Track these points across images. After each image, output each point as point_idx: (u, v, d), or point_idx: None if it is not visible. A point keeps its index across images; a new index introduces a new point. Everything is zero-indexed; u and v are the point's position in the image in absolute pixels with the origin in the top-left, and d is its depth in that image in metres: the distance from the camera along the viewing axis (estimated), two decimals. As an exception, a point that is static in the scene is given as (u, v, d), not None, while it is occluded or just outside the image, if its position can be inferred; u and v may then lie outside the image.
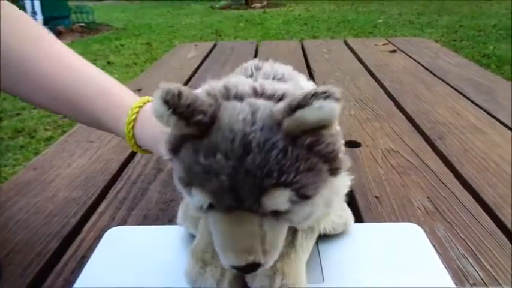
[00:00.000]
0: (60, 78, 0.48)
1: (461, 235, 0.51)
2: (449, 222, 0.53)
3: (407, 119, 0.88)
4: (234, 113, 0.30)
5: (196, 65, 1.40)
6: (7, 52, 0.47)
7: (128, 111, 0.47)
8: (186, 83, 1.19)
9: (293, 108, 0.28)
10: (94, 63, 0.52)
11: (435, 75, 1.19)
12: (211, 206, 0.31)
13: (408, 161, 0.70)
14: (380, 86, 1.13)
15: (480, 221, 0.53)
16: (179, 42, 4.34)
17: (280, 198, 0.30)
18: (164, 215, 0.56)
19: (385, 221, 0.54)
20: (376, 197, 0.60)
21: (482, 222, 0.53)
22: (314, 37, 4.72)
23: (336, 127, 0.32)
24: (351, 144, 0.77)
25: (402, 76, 1.20)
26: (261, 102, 0.31)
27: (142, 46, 4.96)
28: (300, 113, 0.28)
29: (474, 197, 0.59)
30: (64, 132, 1.97)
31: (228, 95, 0.32)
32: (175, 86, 0.29)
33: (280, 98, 0.32)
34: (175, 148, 0.32)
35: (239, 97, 0.32)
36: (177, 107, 0.28)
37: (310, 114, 0.28)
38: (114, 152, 0.76)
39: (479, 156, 0.70)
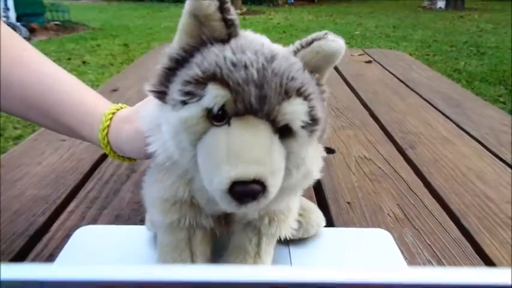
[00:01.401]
0: (34, 87, 0.47)
1: (428, 241, 0.52)
2: (417, 229, 0.55)
3: (380, 128, 0.90)
4: (254, 41, 0.32)
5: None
6: None
7: (101, 117, 0.46)
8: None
9: (310, 42, 0.32)
10: (69, 63, 0.51)
11: (408, 87, 1.23)
12: (218, 115, 0.29)
13: (380, 168, 0.71)
14: (355, 95, 1.15)
15: (446, 228, 0.55)
16: (157, 44, 4.31)
17: (300, 107, 0.29)
18: (136, 215, 0.56)
19: (356, 227, 0.55)
20: (348, 203, 0.61)
21: (448, 229, 0.55)
22: (292, 46, 4.77)
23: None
24: (326, 151, 0.77)
25: (377, 86, 1.23)
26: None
27: (120, 47, 4.90)
28: (316, 44, 0.32)
29: (441, 205, 0.61)
30: (34, 131, 1.92)
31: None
32: None
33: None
34: (183, 59, 0.31)
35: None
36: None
37: (325, 44, 0.32)
38: (86, 151, 0.75)
39: (448, 166, 0.73)
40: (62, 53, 4.31)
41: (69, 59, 4.03)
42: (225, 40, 0.31)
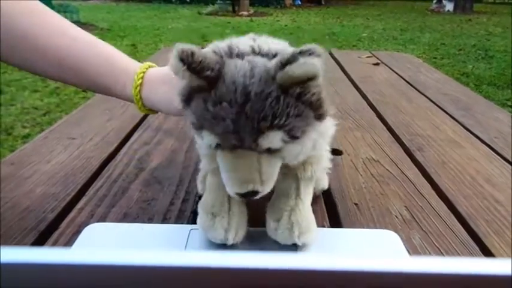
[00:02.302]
0: (65, 46, 0.52)
1: (436, 243, 0.52)
2: (424, 231, 0.55)
3: (387, 130, 0.90)
4: (236, 69, 0.37)
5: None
6: (11, 22, 0.49)
7: (133, 76, 0.52)
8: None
9: (283, 64, 0.35)
10: None
11: (416, 89, 1.22)
12: (218, 145, 0.38)
13: (388, 170, 0.71)
14: (362, 96, 1.15)
15: (454, 230, 0.55)
16: (165, 45, 4.33)
17: (274, 138, 0.37)
18: (144, 214, 0.56)
19: (364, 228, 0.55)
20: (356, 204, 0.61)
21: (456, 231, 0.55)
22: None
23: (320, 80, 0.37)
24: (333, 152, 0.77)
25: (384, 88, 1.23)
26: (258, 59, 0.38)
27: (127, 48, 4.93)
28: (288, 68, 0.34)
29: (449, 208, 0.60)
30: (43, 129, 1.93)
31: (231, 53, 0.38)
32: (189, 46, 0.35)
33: (274, 55, 0.38)
34: (187, 99, 0.39)
35: (240, 55, 0.38)
36: (190, 64, 0.35)
37: (297, 68, 0.34)
38: (95, 149, 0.75)
39: (456, 168, 0.72)
40: (70, 53, 4.33)
41: (78, 59, 4.05)
42: (208, 89, 0.37)
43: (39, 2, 0.53)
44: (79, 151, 0.74)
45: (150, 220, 0.55)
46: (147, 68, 0.54)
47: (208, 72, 0.36)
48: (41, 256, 0.16)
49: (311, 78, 0.35)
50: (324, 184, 0.61)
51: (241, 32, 6.21)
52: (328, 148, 0.50)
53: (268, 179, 0.40)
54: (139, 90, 0.52)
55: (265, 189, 0.40)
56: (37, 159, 0.71)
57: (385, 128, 0.92)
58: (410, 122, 0.95)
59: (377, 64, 1.55)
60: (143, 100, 0.53)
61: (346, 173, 0.70)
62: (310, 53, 0.34)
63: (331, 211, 0.59)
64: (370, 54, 1.71)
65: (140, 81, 0.52)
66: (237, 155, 0.38)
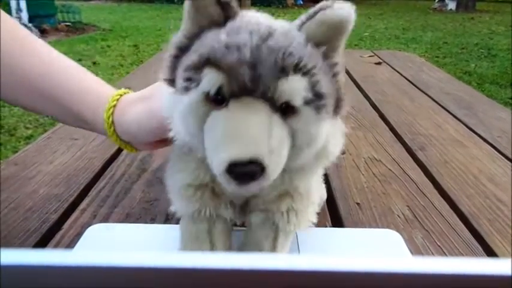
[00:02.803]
0: (41, 75, 0.48)
1: (438, 243, 0.52)
2: (427, 230, 0.55)
3: (389, 130, 0.90)
4: (256, 15, 0.32)
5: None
6: None
7: (106, 99, 0.47)
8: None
9: (314, 13, 0.30)
10: (79, 63, 0.52)
11: (418, 88, 1.22)
12: (217, 98, 0.29)
13: (390, 170, 0.71)
14: (364, 96, 1.15)
15: (456, 229, 0.55)
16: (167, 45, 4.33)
17: (298, 84, 0.29)
18: (147, 214, 0.56)
19: (366, 227, 0.55)
20: (358, 204, 0.61)
21: (459, 231, 0.55)
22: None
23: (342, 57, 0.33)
24: (335, 151, 0.78)
25: (386, 88, 1.23)
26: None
27: (130, 48, 4.94)
28: (321, 14, 0.29)
29: (452, 207, 0.60)
30: (45, 131, 1.94)
31: None
32: None
33: None
34: (186, 46, 0.32)
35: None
36: None
37: (331, 13, 0.29)
38: (98, 150, 0.75)
39: (458, 168, 0.72)
40: (72, 54, 4.36)
41: (80, 59, 4.07)
42: (222, 24, 0.31)
43: (22, 29, 0.50)
44: (81, 152, 0.75)
45: (152, 220, 0.55)
46: (125, 93, 0.49)
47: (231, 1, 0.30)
48: (42, 258, 0.16)
49: (342, 28, 0.30)
50: (323, 194, 0.54)
51: (243, 31, 6.21)
52: (321, 179, 0.44)
53: (277, 153, 0.29)
54: (112, 113, 0.46)
55: (270, 169, 0.28)
56: (40, 160, 0.71)
57: (387, 127, 0.91)
58: (412, 122, 0.94)
59: (379, 63, 1.55)
60: (116, 125, 0.47)
61: (348, 172, 0.70)
62: (344, 2, 0.29)
63: (333, 210, 0.59)
64: (372, 54, 1.71)
65: (114, 103, 0.46)
66: (243, 105, 0.29)
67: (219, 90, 0.29)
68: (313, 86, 0.29)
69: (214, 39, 0.29)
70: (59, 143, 0.78)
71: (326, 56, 0.31)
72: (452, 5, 9.79)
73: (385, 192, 0.64)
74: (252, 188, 0.29)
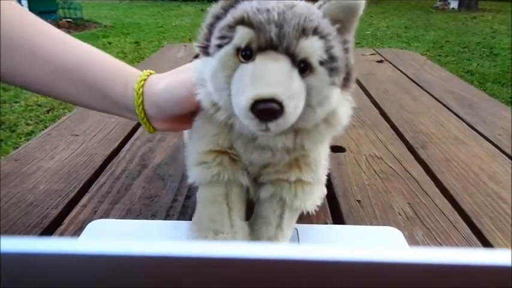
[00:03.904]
0: (62, 54, 0.49)
1: (439, 240, 0.52)
2: (427, 228, 0.55)
3: (391, 127, 0.90)
4: None
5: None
6: (8, 32, 0.47)
7: (135, 74, 0.49)
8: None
9: None
10: None
11: (420, 87, 1.22)
12: (246, 54, 0.34)
13: (391, 167, 0.71)
14: (366, 94, 1.14)
15: (457, 227, 0.55)
16: (168, 42, 4.33)
17: (316, 44, 0.33)
18: (147, 210, 0.56)
19: (366, 224, 0.55)
20: (359, 201, 0.60)
21: (460, 228, 0.55)
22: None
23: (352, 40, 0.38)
24: (336, 149, 0.78)
25: (388, 86, 1.22)
26: None
27: (131, 45, 4.93)
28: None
29: (453, 205, 0.60)
30: (46, 127, 1.94)
31: None
32: None
33: None
34: (221, 15, 0.37)
35: None
36: None
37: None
38: (98, 146, 0.75)
39: (460, 166, 0.72)
40: (74, 51, 4.34)
41: (81, 56, 4.06)
42: None
43: (33, 15, 0.51)
44: (82, 148, 0.75)
45: (153, 216, 0.55)
46: (151, 73, 0.50)
47: None
48: (46, 246, 0.16)
49: (354, 10, 0.36)
50: (323, 190, 0.55)
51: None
52: (327, 157, 0.47)
53: (294, 96, 0.33)
54: (142, 85, 0.48)
55: (289, 108, 0.32)
56: (41, 156, 0.71)
57: (388, 125, 0.91)
58: (413, 120, 0.94)
59: (381, 62, 1.54)
60: (144, 96, 0.48)
61: (349, 170, 0.70)
62: None
63: (334, 208, 0.59)
64: (374, 52, 1.71)
65: (145, 77, 0.48)
66: (269, 56, 0.34)
67: (248, 46, 0.34)
68: (328, 49, 0.34)
69: (247, 5, 0.35)
70: (59, 139, 0.78)
71: (339, 32, 0.36)
72: (454, 4, 9.76)
73: (386, 189, 0.64)
74: (273, 126, 0.33)
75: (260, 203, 0.45)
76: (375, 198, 0.61)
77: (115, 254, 0.16)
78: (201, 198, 0.44)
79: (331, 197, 0.61)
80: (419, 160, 0.74)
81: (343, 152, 0.77)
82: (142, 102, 0.47)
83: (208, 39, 0.37)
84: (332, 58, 0.34)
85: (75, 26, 6.03)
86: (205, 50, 0.38)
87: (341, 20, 0.36)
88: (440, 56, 4.53)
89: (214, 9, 0.37)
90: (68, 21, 6.04)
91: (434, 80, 1.31)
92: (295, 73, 0.34)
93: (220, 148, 0.42)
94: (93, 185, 0.62)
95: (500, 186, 0.65)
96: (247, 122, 0.33)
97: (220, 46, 0.35)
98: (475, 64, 4.10)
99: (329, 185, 0.64)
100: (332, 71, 0.35)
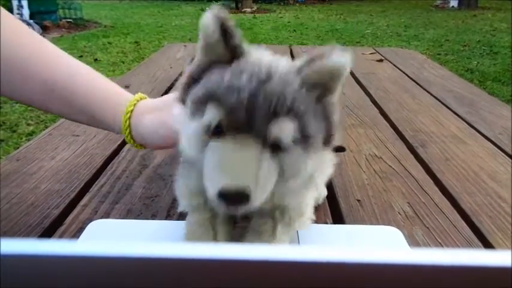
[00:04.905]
0: (54, 74, 0.50)
1: (439, 239, 0.52)
2: (427, 227, 0.55)
3: (391, 127, 0.90)
4: (261, 56, 0.36)
5: (185, 65, 1.40)
6: (7, 51, 0.48)
7: (124, 102, 0.51)
8: (174, 83, 1.19)
9: (313, 59, 0.34)
10: (80, 60, 0.54)
11: (419, 86, 1.22)
12: (217, 130, 0.33)
13: (390, 167, 0.71)
14: (366, 93, 1.15)
15: (457, 226, 0.55)
16: (168, 42, 4.33)
17: (288, 126, 0.33)
18: (148, 210, 0.56)
19: (366, 224, 0.55)
20: (358, 201, 0.61)
21: (459, 228, 0.55)
22: (303, 44, 4.76)
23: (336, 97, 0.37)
24: (336, 148, 0.78)
25: (387, 85, 1.22)
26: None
27: (131, 45, 4.93)
28: (319, 62, 0.33)
29: (452, 204, 0.60)
30: (47, 127, 1.94)
31: None
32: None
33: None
34: (197, 76, 0.36)
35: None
36: (225, 22, 0.33)
37: (329, 61, 0.33)
38: (99, 146, 0.76)
39: (459, 165, 0.72)
40: (74, 51, 4.35)
41: (81, 56, 4.07)
42: (228, 62, 0.35)
43: (30, 30, 0.52)
44: (83, 148, 0.75)
45: (153, 217, 0.55)
46: (141, 98, 0.52)
47: (238, 42, 0.34)
48: (46, 248, 0.16)
49: (337, 74, 0.34)
50: (323, 191, 0.57)
51: (244, 28, 6.20)
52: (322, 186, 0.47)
53: (263, 185, 0.33)
54: (129, 117, 0.50)
55: (256, 197, 0.32)
56: (42, 156, 0.71)
57: (388, 124, 0.91)
58: (413, 119, 0.94)
59: (380, 61, 1.54)
60: (131, 130, 0.50)
61: (349, 169, 0.70)
62: (342, 51, 0.33)
63: (334, 207, 0.59)
64: (374, 51, 1.71)
65: (132, 107, 0.50)
66: (238, 141, 0.33)
67: (218, 124, 0.33)
68: (302, 128, 0.33)
69: (219, 78, 0.34)
70: (60, 140, 0.78)
71: (320, 98, 0.35)
72: (454, 2, 9.75)
73: (385, 189, 0.64)
74: (240, 210, 0.33)
75: (251, 219, 0.44)
76: (375, 198, 0.61)
77: (113, 256, 0.16)
78: (189, 222, 0.45)
79: (331, 196, 0.61)
80: (418, 159, 0.74)
81: (343, 151, 0.77)
82: (130, 132, 0.51)
83: (185, 96, 0.37)
84: (306, 136, 0.34)
85: (75, 26, 6.02)
86: (184, 103, 0.37)
87: (323, 84, 0.35)
88: (440, 54, 4.53)
89: (191, 67, 0.37)
90: (68, 22, 6.04)
91: (434, 78, 1.31)
92: (265, 156, 0.33)
93: (203, 189, 0.40)
94: (93, 185, 0.63)
95: (500, 186, 0.65)
96: (215, 205, 0.34)
97: (194, 115, 0.35)
98: (475, 62, 4.10)
99: (329, 184, 0.64)
100: (307, 147, 0.34)
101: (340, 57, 0.33)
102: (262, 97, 0.32)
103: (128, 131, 0.50)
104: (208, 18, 0.33)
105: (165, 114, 0.47)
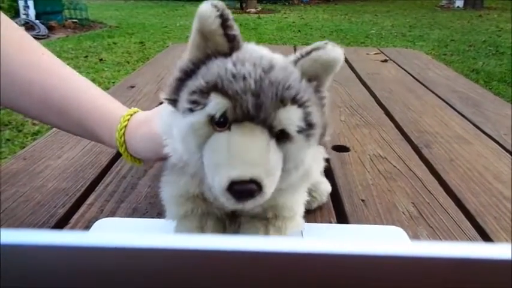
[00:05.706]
0: (51, 86, 0.50)
1: (443, 240, 0.52)
2: (432, 227, 0.55)
3: (395, 127, 0.90)
4: (257, 49, 0.36)
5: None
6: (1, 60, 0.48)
7: (118, 119, 0.50)
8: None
9: (309, 52, 0.34)
10: (86, 60, 0.54)
11: (424, 86, 1.22)
12: (220, 121, 0.32)
13: (395, 167, 0.71)
14: (370, 93, 1.15)
15: (462, 227, 0.55)
16: (173, 42, 4.34)
17: (294, 114, 0.32)
18: (153, 209, 0.57)
19: (370, 224, 0.55)
20: (363, 200, 0.61)
21: (464, 228, 0.55)
22: (307, 44, 4.74)
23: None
24: (341, 148, 0.78)
25: (392, 85, 1.22)
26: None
27: (136, 45, 4.95)
28: (315, 53, 0.34)
29: (457, 204, 0.60)
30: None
31: None
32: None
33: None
34: (191, 71, 0.35)
35: None
36: (223, 12, 0.32)
37: (324, 53, 0.34)
38: (104, 146, 0.76)
39: (464, 165, 0.72)
40: (79, 51, 4.38)
41: (86, 56, 4.09)
42: (227, 54, 0.34)
43: (31, 40, 0.52)
44: (89, 147, 0.75)
45: (159, 215, 0.55)
46: (134, 112, 0.52)
47: (236, 32, 0.34)
48: (57, 239, 0.17)
49: (331, 67, 0.35)
50: (327, 187, 0.57)
51: (249, 29, 6.21)
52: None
53: (272, 174, 0.32)
54: (123, 133, 0.50)
55: (267, 188, 0.31)
56: (48, 155, 0.72)
57: (392, 124, 0.91)
58: (418, 119, 0.94)
59: (385, 61, 1.54)
60: (126, 145, 0.50)
61: (353, 169, 0.70)
62: (335, 45, 0.34)
63: (338, 207, 0.59)
64: (379, 51, 1.71)
65: (125, 123, 0.50)
66: (245, 130, 0.32)
67: (223, 114, 0.32)
68: (306, 117, 0.33)
69: (221, 68, 0.33)
70: (66, 139, 0.79)
71: (316, 89, 0.35)
72: (459, 3, 9.71)
73: (390, 189, 0.64)
74: (249, 204, 0.32)
75: (242, 225, 0.44)
76: (379, 198, 0.61)
77: (116, 247, 0.16)
78: (177, 231, 0.44)
79: (335, 196, 0.61)
80: (423, 159, 0.74)
81: (348, 151, 0.77)
82: (125, 149, 0.51)
83: (177, 93, 0.35)
84: (310, 125, 0.33)
85: (81, 27, 6.05)
86: (174, 103, 0.36)
87: (318, 75, 0.35)
88: (445, 55, 4.51)
89: (182, 63, 0.35)
90: (73, 22, 6.07)
91: (439, 79, 1.31)
92: (272, 144, 0.33)
93: (191, 195, 0.41)
94: (99, 184, 0.63)
95: (505, 186, 0.65)
96: (223, 200, 0.32)
97: (191, 110, 0.33)
98: (481, 63, 4.08)
99: (333, 184, 0.64)
100: (309, 136, 0.34)
101: (335, 51, 0.34)
102: (269, 85, 0.32)
103: (123, 147, 0.50)
104: (207, 7, 0.32)
105: (153, 125, 0.46)
